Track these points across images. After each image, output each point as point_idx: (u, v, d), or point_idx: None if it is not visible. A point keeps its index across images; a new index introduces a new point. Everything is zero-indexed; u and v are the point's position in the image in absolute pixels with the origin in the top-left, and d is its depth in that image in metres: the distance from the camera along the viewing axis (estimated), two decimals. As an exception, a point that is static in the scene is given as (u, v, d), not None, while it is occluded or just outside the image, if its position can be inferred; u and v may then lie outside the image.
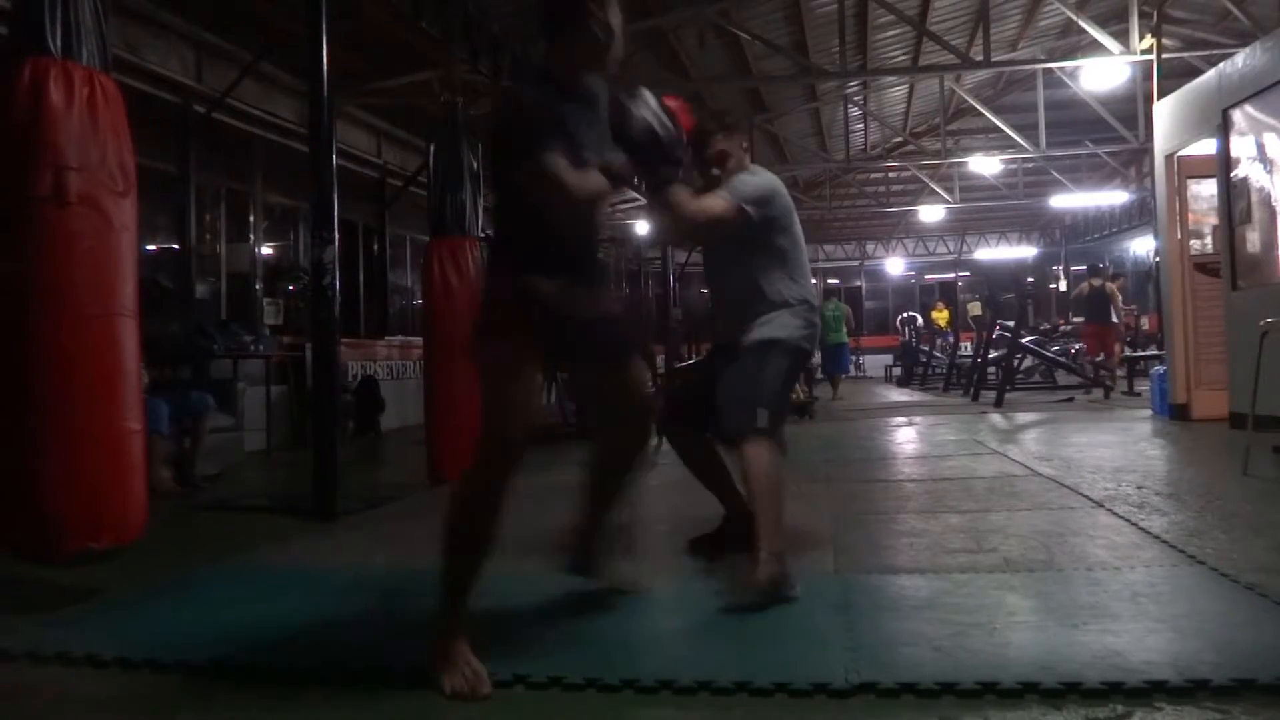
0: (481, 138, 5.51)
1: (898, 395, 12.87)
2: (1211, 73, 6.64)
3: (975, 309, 17.88)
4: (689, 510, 4.37)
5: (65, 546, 2.48)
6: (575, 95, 2.26)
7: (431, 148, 5.54)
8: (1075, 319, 12.55)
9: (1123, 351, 11.50)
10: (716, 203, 2.91)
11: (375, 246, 11.52)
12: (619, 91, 2.34)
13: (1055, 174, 17.53)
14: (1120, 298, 11.65)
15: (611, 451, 2.56)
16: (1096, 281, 11.34)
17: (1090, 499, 3.89)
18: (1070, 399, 10.03)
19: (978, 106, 13.51)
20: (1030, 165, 17.28)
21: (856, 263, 27.40)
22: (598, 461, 2.58)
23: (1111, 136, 13.35)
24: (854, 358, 16.40)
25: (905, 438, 7.21)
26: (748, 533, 2.84)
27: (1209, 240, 7.13)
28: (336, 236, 4.37)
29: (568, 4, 2.25)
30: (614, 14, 2.27)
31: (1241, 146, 6.15)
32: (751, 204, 2.92)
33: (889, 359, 17.78)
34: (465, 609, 2.10)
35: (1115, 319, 11.31)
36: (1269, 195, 5.86)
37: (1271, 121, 5.83)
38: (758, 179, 3.04)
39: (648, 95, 2.37)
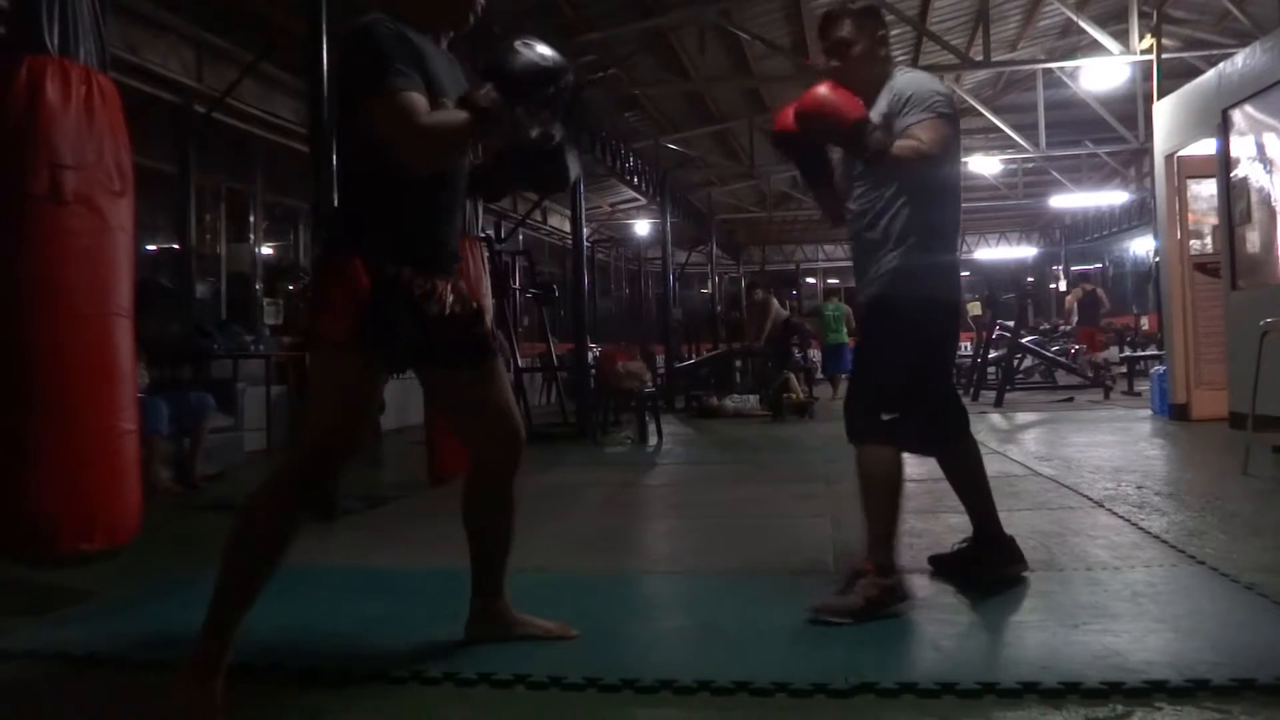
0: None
1: (898, 395, 12.85)
2: (1211, 73, 6.64)
3: (975, 309, 17.88)
4: (689, 510, 4.37)
5: (58, 548, 2.46)
6: (433, 44, 2.02)
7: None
8: (1061, 322, 12.90)
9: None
10: (918, 132, 2.38)
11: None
12: (495, 35, 2.01)
13: (1055, 174, 17.52)
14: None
15: (482, 475, 2.21)
16: (1089, 286, 12.44)
17: (1090, 499, 3.89)
18: (1070, 399, 10.03)
19: (978, 106, 13.49)
20: (1030, 165, 17.27)
21: (857, 263, 27.35)
22: (470, 491, 2.22)
23: (1111, 136, 13.33)
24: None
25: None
26: (985, 560, 2.66)
27: (1209, 240, 7.12)
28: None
29: None
30: None
31: (1241, 146, 6.15)
32: (945, 105, 2.44)
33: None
34: (230, 644, 1.85)
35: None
36: (1269, 195, 5.86)
37: (1271, 121, 5.83)
38: (918, 75, 2.56)
39: (527, 37, 1.96)
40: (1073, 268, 23.29)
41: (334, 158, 4.27)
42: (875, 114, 2.45)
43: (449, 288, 2.04)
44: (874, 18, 2.57)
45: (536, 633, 2.25)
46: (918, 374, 2.49)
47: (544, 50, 1.93)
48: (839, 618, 2.30)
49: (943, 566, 2.78)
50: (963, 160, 2.67)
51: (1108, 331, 13.53)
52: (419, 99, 1.85)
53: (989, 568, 2.65)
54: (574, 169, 2.16)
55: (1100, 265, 24.48)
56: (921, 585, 2.67)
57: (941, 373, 2.68)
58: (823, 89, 2.38)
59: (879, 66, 2.55)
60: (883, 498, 2.44)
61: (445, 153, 1.94)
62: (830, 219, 2.86)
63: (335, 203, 2.08)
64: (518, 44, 1.91)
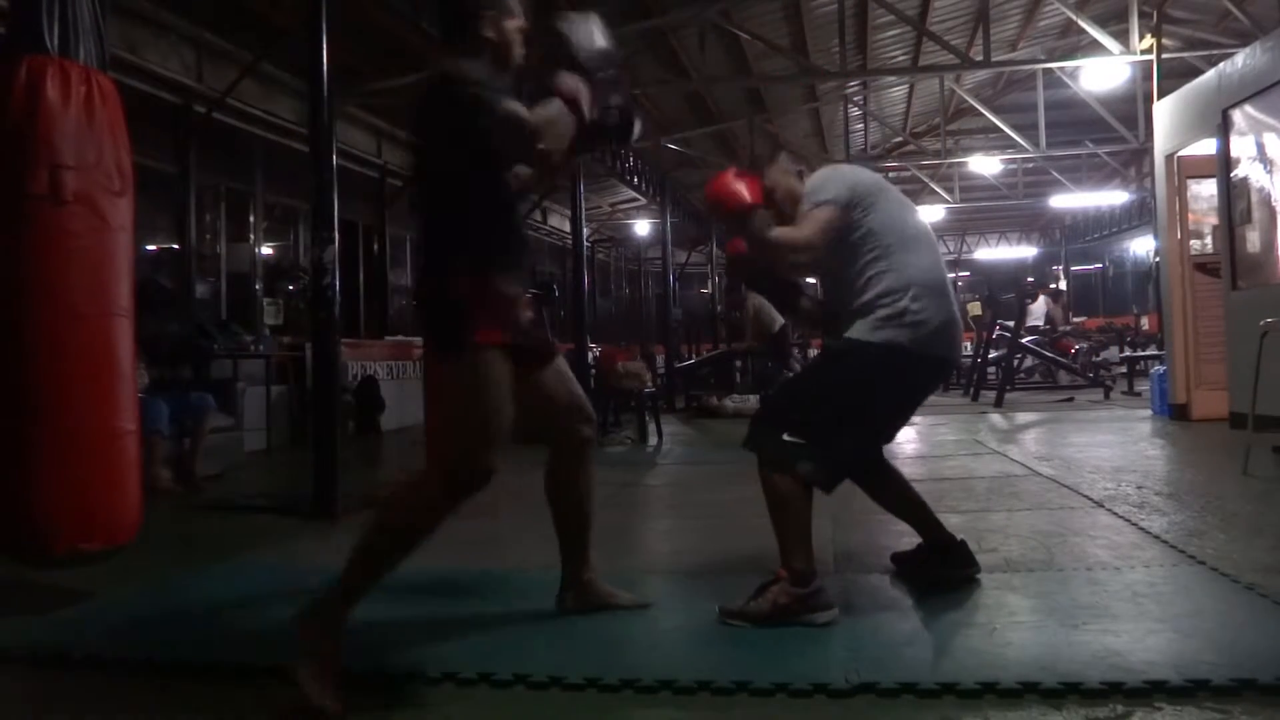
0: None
1: (898, 395, 12.84)
2: (1211, 73, 6.64)
3: (975, 309, 17.89)
4: (688, 510, 4.37)
5: (57, 548, 2.47)
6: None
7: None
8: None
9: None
10: (809, 223, 2.50)
11: (375, 246, 11.52)
12: (555, 26, 2.26)
13: (1055, 174, 17.52)
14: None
15: (562, 460, 2.46)
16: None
17: (1090, 499, 3.89)
18: (1070, 399, 10.03)
19: (978, 106, 13.50)
20: (1030, 165, 17.28)
21: (856, 263, 27.31)
22: (553, 476, 2.47)
23: (1111, 136, 13.34)
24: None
25: (905, 437, 7.20)
26: (941, 562, 2.70)
27: (1209, 240, 7.12)
28: (337, 236, 4.36)
29: (460, 15, 2.29)
30: (511, 22, 2.28)
31: (1241, 146, 6.15)
32: (832, 194, 2.52)
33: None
34: (347, 620, 2.04)
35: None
36: (1269, 195, 5.86)
37: (1271, 121, 5.83)
38: (820, 174, 2.64)
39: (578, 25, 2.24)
40: (1072, 268, 23.27)
41: (332, 158, 4.33)
42: None
43: (523, 297, 2.29)
44: (784, 158, 2.76)
45: (621, 603, 2.50)
46: (860, 419, 2.47)
47: (594, 29, 2.21)
48: (742, 622, 2.33)
49: (903, 565, 2.81)
50: (919, 210, 2.85)
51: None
52: (517, 104, 2.08)
53: (944, 569, 2.69)
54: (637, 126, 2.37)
55: (1100, 265, 24.49)
56: (920, 587, 2.68)
57: (887, 425, 2.64)
58: (726, 176, 2.55)
59: (799, 190, 2.64)
60: (786, 509, 2.41)
61: (557, 138, 2.14)
62: (811, 328, 2.95)
63: (434, 228, 2.29)
64: (564, 29, 2.18)
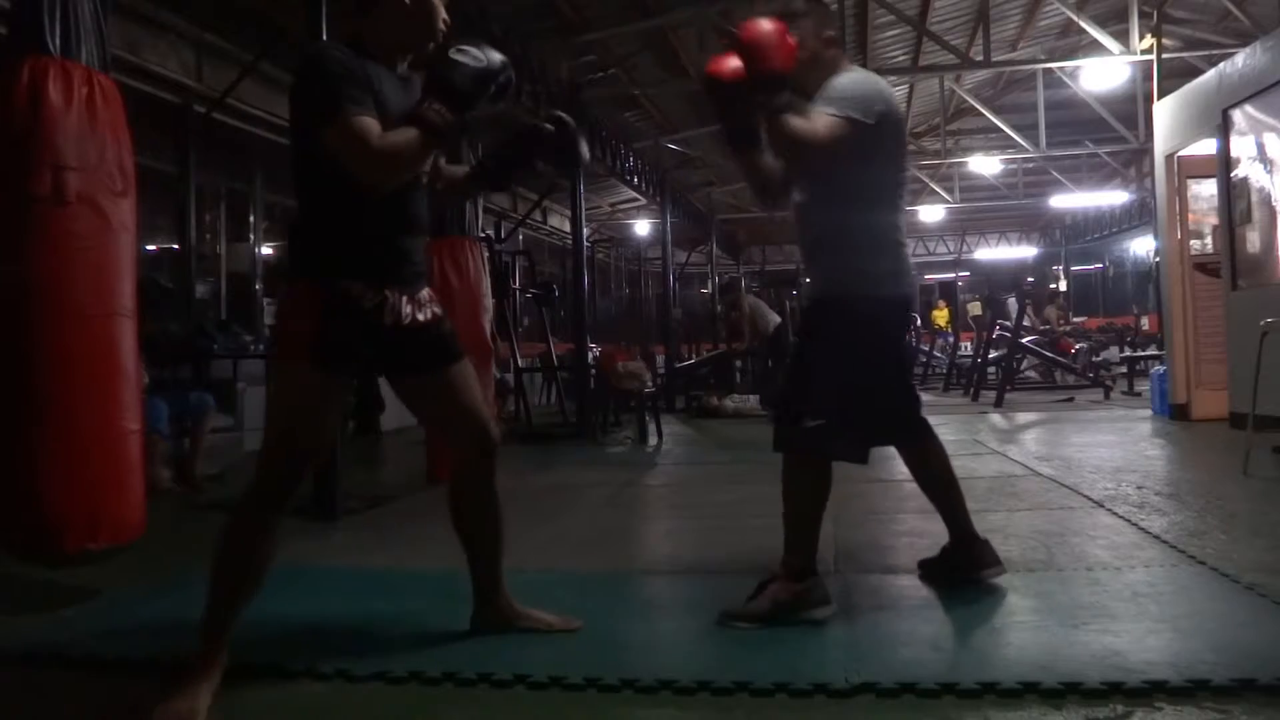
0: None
1: (898, 395, 12.85)
2: (1211, 73, 6.64)
3: (975, 309, 17.88)
4: (688, 510, 4.37)
5: (63, 547, 2.47)
6: (387, 69, 2.08)
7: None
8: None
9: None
10: (817, 119, 2.33)
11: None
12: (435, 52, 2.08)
13: (1055, 174, 17.52)
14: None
15: (461, 479, 2.30)
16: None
17: (1090, 499, 3.90)
18: (1070, 399, 10.03)
19: (978, 106, 13.50)
20: (1030, 165, 17.27)
21: (856, 263, 27.29)
22: (454, 496, 2.31)
23: (1111, 136, 13.34)
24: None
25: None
26: (967, 563, 2.63)
27: (1209, 240, 7.13)
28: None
29: None
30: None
31: (1241, 146, 6.15)
32: (859, 111, 2.35)
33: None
34: (223, 651, 1.94)
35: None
36: (1269, 195, 5.86)
37: (1271, 121, 5.83)
38: (855, 76, 2.47)
39: (462, 43, 2.04)
40: (1072, 267, 23.26)
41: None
42: None
43: (404, 298, 2.09)
44: (819, 18, 2.54)
45: (539, 626, 2.31)
46: (854, 379, 2.40)
47: (478, 53, 2.00)
48: (744, 623, 2.31)
49: (930, 571, 2.75)
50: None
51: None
52: (371, 122, 1.90)
53: (966, 570, 2.63)
54: (585, 150, 2.27)
55: (1100, 265, 24.50)
56: (921, 585, 2.68)
57: (885, 377, 2.54)
58: (771, 24, 2.29)
59: (825, 68, 2.49)
60: (800, 506, 2.40)
61: (401, 172, 2.00)
62: (757, 194, 2.74)
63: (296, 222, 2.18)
64: (453, 53, 1.99)
